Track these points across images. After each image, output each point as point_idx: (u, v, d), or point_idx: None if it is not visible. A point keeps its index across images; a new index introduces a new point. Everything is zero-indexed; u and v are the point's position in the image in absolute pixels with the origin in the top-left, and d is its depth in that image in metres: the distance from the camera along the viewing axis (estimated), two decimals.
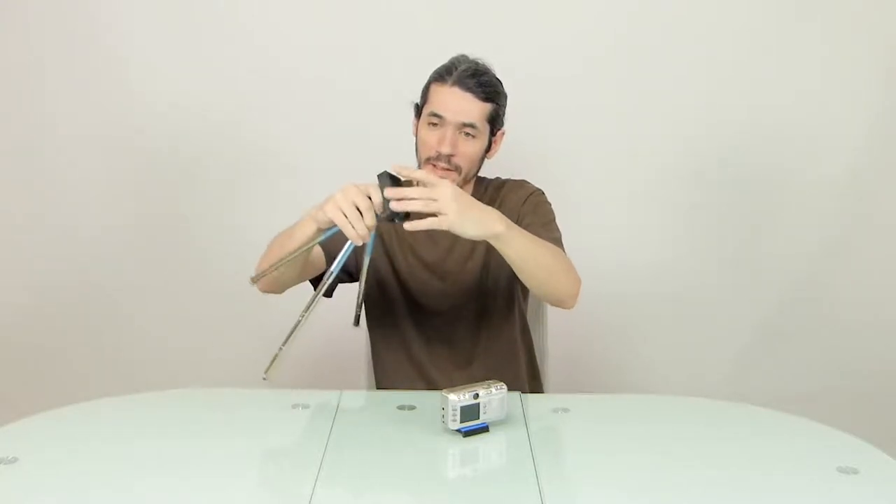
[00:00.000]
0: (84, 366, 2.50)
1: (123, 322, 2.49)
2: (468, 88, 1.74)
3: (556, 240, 1.79)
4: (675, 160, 2.51)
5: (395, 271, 1.87)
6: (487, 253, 1.84)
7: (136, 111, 2.49)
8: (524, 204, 1.84)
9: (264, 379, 1.48)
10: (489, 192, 1.89)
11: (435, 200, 1.47)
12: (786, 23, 2.44)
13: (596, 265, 2.35)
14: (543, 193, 1.89)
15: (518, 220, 1.81)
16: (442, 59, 1.80)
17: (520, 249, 1.58)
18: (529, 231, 1.75)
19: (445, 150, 1.74)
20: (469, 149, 1.77)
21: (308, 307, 1.51)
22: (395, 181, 1.50)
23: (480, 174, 1.88)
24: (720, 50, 2.45)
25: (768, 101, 2.48)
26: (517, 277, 1.77)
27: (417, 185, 1.50)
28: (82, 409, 1.65)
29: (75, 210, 2.54)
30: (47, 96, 2.50)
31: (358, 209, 1.49)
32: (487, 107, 1.77)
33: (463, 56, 1.80)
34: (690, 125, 2.48)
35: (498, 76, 1.81)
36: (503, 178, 1.93)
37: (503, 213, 1.80)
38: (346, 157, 2.46)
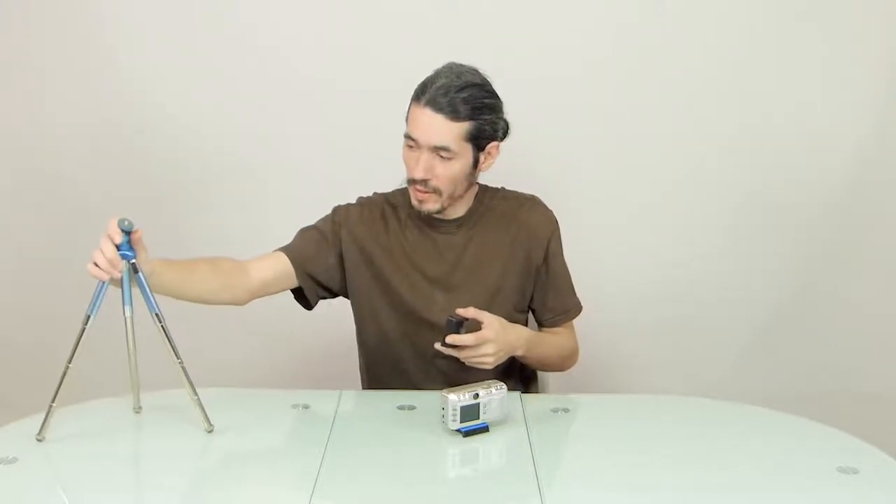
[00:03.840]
0: (84, 366, 2.50)
1: (123, 322, 2.48)
2: (439, 109, 1.66)
3: (576, 304, 1.90)
4: (675, 161, 2.50)
5: (391, 285, 1.83)
6: (502, 277, 1.82)
7: (135, 111, 2.48)
8: (551, 239, 1.85)
9: (39, 440, 1.49)
10: (496, 204, 1.85)
11: (481, 353, 1.64)
12: (787, 24, 2.44)
13: (596, 266, 2.37)
14: (556, 219, 1.89)
15: (546, 254, 1.84)
16: (442, 61, 1.78)
17: (533, 362, 1.83)
18: (556, 279, 1.86)
19: (418, 175, 1.70)
20: (446, 171, 1.71)
21: (71, 357, 1.50)
22: (458, 322, 1.63)
23: (480, 181, 1.84)
24: (720, 51, 2.44)
25: (768, 100, 2.47)
26: (531, 308, 1.90)
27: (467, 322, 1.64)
28: (82, 409, 1.65)
29: (74, 209, 2.54)
30: (46, 97, 2.50)
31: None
32: (463, 126, 1.68)
33: (448, 67, 1.72)
34: (691, 126, 2.48)
35: (489, 84, 1.72)
36: (507, 188, 1.89)
37: (529, 239, 1.83)
38: (345, 158, 2.46)
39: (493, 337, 1.62)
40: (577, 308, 1.90)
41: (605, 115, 2.47)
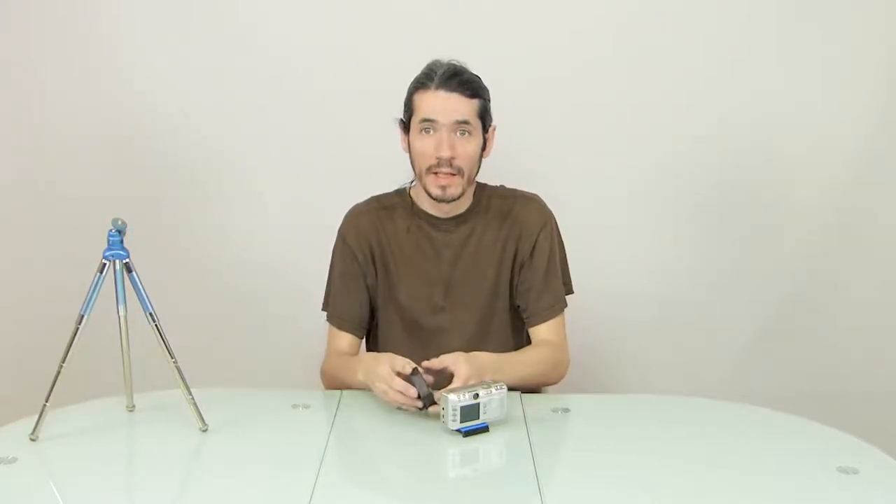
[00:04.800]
0: (84, 366, 2.49)
1: (117, 321, 2.48)
2: (453, 89, 1.73)
3: (559, 292, 1.86)
4: (675, 161, 2.50)
5: (393, 287, 1.85)
6: (498, 274, 1.84)
7: (135, 111, 2.48)
8: (540, 234, 1.84)
9: (32, 440, 1.50)
10: (494, 202, 1.86)
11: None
12: (786, 24, 2.43)
13: (596, 265, 2.36)
14: (554, 218, 1.88)
15: (533, 249, 1.83)
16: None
17: (512, 383, 1.66)
18: (536, 275, 1.83)
19: (445, 153, 1.72)
20: (467, 148, 1.75)
21: (65, 357, 1.51)
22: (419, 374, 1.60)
23: (479, 178, 1.86)
24: (720, 51, 2.44)
25: (768, 101, 2.47)
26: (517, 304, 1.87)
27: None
28: (82, 409, 1.65)
29: (74, 209, 2.53)
30: (46, 96, 2.50)
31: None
32: (475, 103, 1.75)
33: (436, 61, 1.78)
34: (690, 126, 2.47)
35: (475, 73, 1.78)
36: (507, 186, 1.91)
37: (520, 235, 1.84)
38: (345, 157, 2.45)
39: (470, 371, 1.59)
40: (555, 308, 1.85)
41: (605, 115, 2.47)
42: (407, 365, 1.59)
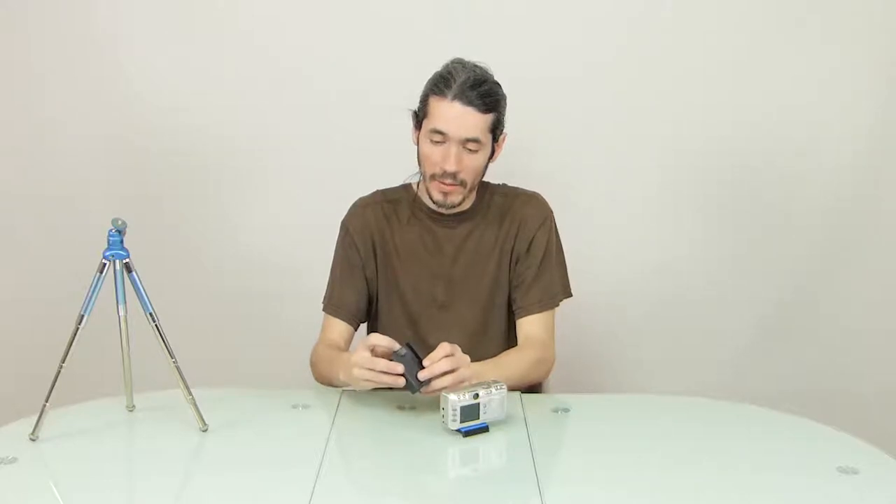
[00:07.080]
0: (84, 366, 2.49)
1: (117, 321, 2.47)
2: (469, 102, 1.70)
3: (551, 288, 1.84)
4: (676, 161, 2.50)
5: (396, 281, 1.86)
6: (498, 270, 1.85)
7: (135, 111, 2.48)
8: (538, 230, 1.84)
9: (32, 439, 1.50)
10: (496, 199, 1.87)
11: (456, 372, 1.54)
12: (787, 24, 2.43)
13: (596, 265, 2.36)
14: (553, 218, 1.88)
15: (529, 244, 1.84)
16: (444, 61, 1.79)
17: None
18: (529, 270, 1.83)
19: (451, 168, 1.73)
20: (473, 163, 1.75)
21: (65, 357, 1.50)
22: (414, 353, 1.54)
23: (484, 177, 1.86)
24: (724, 51, 2.44)
25: (768, 102, 2.47)
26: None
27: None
28: (82, 409, 1.65)
29: (74, 209, 2.53)
30: (46, 97, 2.50)
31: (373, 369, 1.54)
32: (489, 118, 1.74)
33: (459, 62, 1.76)
34: (693, 126, 2.48)
35: (495, 78, 1.77)
36: (510, 184, 1.91)
37: (518, 231, 1.85)
38: (342, 158, 2.46)
39: (467, 359, 1.58)
40: (544, 303, 1.84)
41: (605, 115, 2.47)
42: (390, 342, 1.56)
